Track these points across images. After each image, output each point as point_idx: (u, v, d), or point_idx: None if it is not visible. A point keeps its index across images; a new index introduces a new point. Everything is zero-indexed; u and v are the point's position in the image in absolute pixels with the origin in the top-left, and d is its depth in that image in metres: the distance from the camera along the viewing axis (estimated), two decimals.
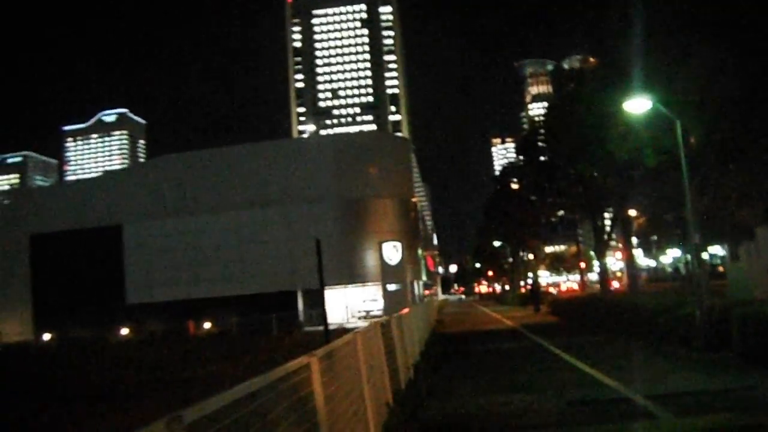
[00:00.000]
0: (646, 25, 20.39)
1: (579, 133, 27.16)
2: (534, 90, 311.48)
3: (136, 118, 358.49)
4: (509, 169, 68.43)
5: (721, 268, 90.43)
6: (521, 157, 46.00)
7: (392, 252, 54.10)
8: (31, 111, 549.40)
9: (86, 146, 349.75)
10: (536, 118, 37.97)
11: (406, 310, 17.65)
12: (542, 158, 37.83)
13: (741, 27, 20.50)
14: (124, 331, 59.99)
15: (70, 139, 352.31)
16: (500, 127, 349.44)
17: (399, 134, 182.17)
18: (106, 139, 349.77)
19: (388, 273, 53.57)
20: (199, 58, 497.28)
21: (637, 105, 18.39)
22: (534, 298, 51.68)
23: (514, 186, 65.76)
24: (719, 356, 15.79)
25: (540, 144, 37.28)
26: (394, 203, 63.57)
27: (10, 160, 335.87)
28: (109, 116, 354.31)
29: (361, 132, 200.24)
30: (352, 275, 60.39)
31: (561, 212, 47.94)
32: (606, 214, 38.39)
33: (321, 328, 54.62)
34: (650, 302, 21.81)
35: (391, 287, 53.20)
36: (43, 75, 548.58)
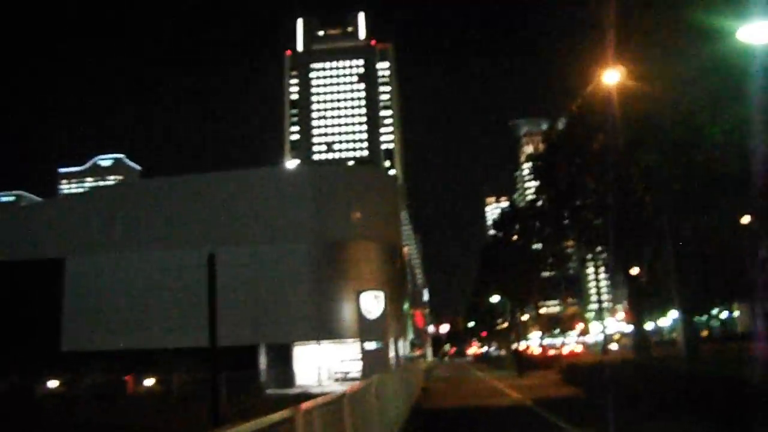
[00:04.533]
0: None
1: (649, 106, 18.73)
2: (529, 149, 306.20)
3: (131, 164, 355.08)
4: (511, 213, 60.73)
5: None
6: (534, 183, 37.05)
7: (372, 303, 45.69)
8: (28, 151, 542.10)
9: (80, 189, 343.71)
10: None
11: (355, 386, 9.75)
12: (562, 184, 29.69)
13: None
14: (53, 383, 50.95)
15: (64, 181, 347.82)
16: (494, 186, 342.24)
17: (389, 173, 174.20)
18: (101, 183, 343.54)
19: (366, 328, 45.19)
20: (197, 108, 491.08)
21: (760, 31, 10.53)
22: (518, 362, 48.87)
23: (515, 236, 58.35)
24: None
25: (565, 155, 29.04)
26: (377, 248, 55.23)
27: (3, 199, 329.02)
28: (105, 160, 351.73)
29: (343, 165, 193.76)
30: (327, 330, 51.86)
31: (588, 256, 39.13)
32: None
33: (287, 391, 46.69)
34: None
35: (370, 345, 44.67)
36: (41, 116, 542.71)
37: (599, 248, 31.21)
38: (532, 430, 16.17)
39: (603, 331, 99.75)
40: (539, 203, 32.95)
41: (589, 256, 38.66)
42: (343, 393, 8.58)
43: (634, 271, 30.95)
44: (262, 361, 51.72)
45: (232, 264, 51.81)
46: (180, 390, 44.61)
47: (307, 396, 27.62)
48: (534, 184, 41.98)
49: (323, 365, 53.02)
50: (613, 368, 25.20)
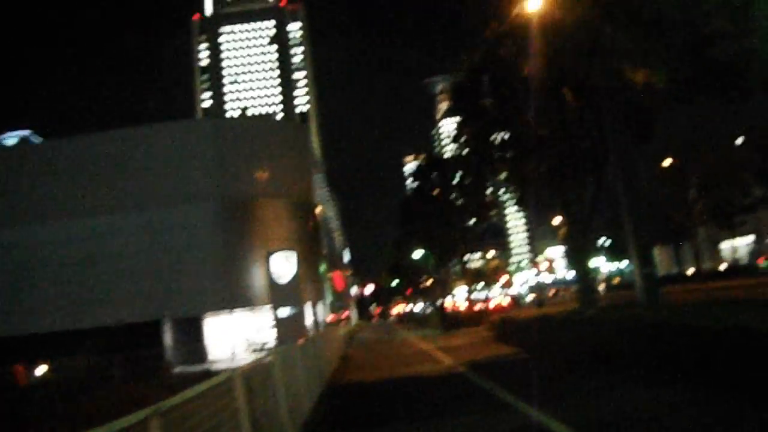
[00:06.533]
0: None
1: None
2: (444, 106, 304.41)
3: (39, 141, 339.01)
4: (430, 162, 57.36)
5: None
6: (456, 119, 32.79)
7: (284, 265, 41.51)
8: None
9: None
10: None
11: (195, 388, 5.75)
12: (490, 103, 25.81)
13: None
14: None
15: None
16: (412, 145, 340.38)
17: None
18: None
19: (278, 293, 41.06)
20: (104, 79, 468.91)
21: None
22: (443, 319, 48.46)
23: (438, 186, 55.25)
24: None
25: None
26: (287, 205, 50.96)
27: None
28: (11, 139, 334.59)
29: (245, 117, 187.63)
30: (238, 297, 47.64)
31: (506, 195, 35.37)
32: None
33: (197, 368, 42.53)
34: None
35: (284, 311, 40.59)
36: None
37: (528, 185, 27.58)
38: (471, 411, 12.43)
39: (525, 281, 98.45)
40: (462, 139, 29.07)
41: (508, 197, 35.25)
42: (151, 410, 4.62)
43: (560, 218, 27.75)
44: (167, 337, 47.20)
45: (126, 232, 47.10)
46: (74, 377, 40.14)
47: (210, 373, 23.64)
48: (451, 143, 38.73)
49: (238, 336, 49.03)
50: (557, 322, 21.91)
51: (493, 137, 26.38)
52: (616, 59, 21.03)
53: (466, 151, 32.04)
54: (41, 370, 43.72)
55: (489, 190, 54.50)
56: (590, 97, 22.36)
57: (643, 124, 23.38)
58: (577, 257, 27.32)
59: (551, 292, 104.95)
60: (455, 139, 29.54)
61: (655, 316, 13.80)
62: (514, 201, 30.38)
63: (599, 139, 22.39)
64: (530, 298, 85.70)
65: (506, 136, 25.92)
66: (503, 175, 30.55)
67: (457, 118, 29.77)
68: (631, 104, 22.10)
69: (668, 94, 19.37)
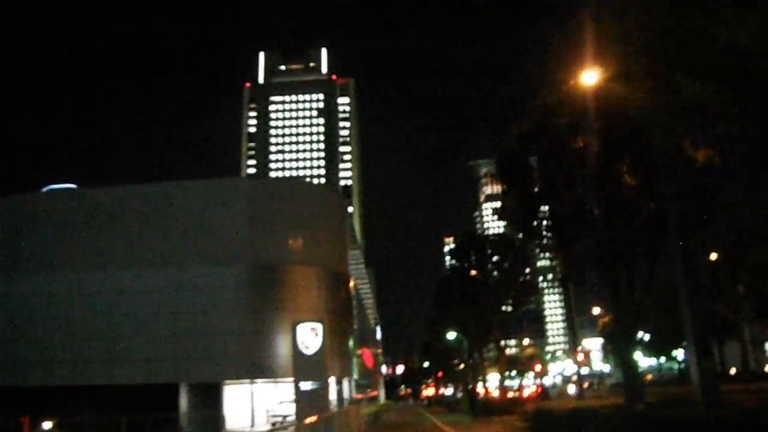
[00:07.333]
0: None
1: None
2: (488, 190, 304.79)
3: None
4: (468, 241, 55.63)
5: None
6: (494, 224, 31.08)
7: (310, 337, 39.48)
8: None
9: None
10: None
11: None
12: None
13: None
14: None
15: None
16: (454, 226, 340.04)
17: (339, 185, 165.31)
18: None
19: (302, 365, 38.91)
20: (153, 139, 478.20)
21: None
22: (472, 403, 47.86)
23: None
24: None
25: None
26: (319, 274, 49.15)
27: None
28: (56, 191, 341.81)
29: (282, 178, 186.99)
30: (260, 366, 45.52)
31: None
32: None
33: None
34: None
35: (307, 385, 38.43)
36: None
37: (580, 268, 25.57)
38: None
39: (561, 371, 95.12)
40: (506, 212, 27.33)
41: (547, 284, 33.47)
42: None
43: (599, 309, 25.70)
44: (183, 401, 45.09)
45: (148, 289, 45.54)
46: None
47: None
48: (494, 224, 37.00)
49: (258, 406, 46.75)
50: (603, 417, 19.65)
51: (539, 212, 24.80)
52: (678, 134, 19.37)
53: (508, 226, 30.54)
54: (48, 425, 42.00)
55: (528, 275, 52.83)
56: (648, 173, 20.64)
57: (702, 206, 21.59)
58: (621, 347, 25.10)
59: (585, 384, 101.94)
60: (499, 212, 27.79)
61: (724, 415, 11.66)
62: (558, 278, 28.46)
63: (656, 219, 20.60)
64: (570, 388, 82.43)
65: (554, 211, 24.26)
66: (545, 261, 28.88)
67: (503, 190, 28.12)
68: (691, 184, 20.39)
69: (730, 173, 17.78)
